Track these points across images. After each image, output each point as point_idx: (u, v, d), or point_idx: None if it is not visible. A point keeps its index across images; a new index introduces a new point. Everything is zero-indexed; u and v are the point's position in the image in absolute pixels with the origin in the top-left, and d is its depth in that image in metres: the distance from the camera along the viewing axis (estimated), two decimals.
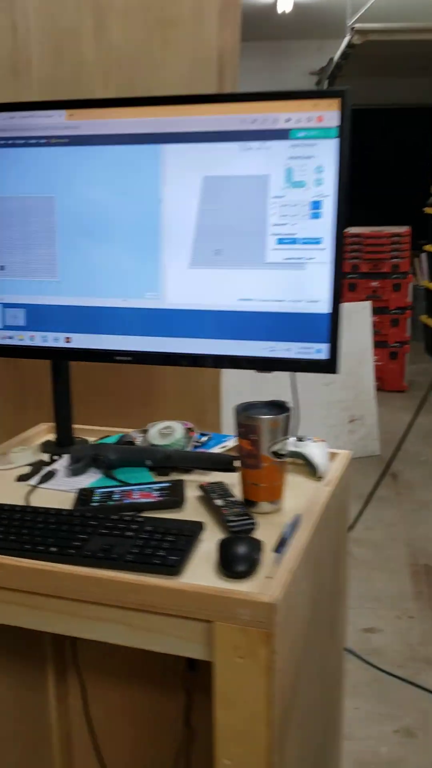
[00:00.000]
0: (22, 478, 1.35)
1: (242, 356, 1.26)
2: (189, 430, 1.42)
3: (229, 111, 1.21)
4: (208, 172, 1.23)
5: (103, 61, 1.65)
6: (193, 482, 1.28)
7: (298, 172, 1.19)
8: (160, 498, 1.20)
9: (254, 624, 0.91)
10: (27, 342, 1.38)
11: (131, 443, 1.41)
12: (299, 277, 1.21)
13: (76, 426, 1.52)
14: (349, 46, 5.96)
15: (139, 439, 1.44)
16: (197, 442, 1.43)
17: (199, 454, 1.33)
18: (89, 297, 1.33)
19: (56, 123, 1.29)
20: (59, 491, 1.29)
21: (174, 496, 1.21)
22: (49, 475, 1.34)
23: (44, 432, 1.61)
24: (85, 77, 1.65)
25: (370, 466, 4.41)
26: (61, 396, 1.49)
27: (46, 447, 1.48)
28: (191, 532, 1.07)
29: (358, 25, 5.67)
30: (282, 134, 1.19)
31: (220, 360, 1.27)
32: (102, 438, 1.53)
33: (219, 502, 1.18)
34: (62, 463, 1.40)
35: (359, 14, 5.64)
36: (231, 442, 1.46)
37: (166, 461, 1.33)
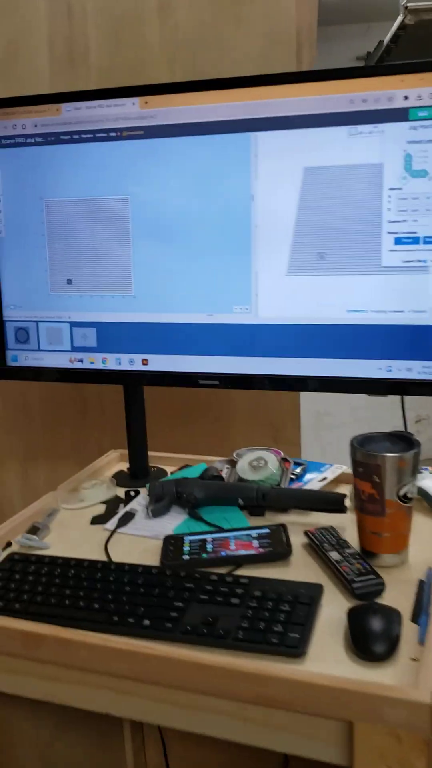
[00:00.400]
0: (97, 520, 1.18)
1: (353, 378, 1.07)
2: (283, 460, 1.23)
3: (334, 90, 1.02)
4: (309, 163, 1.04)
5: (168, 45, 1.48)
6: (294, 525, 1.10)
7: (418, 159, 0.99)
8: (263, 549, 1.02)
9: (407, 727, 0.72)
10: (99, 365, 1.21)
11: (218, 477, 1.23)
12: (422, 284, 1.02)
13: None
14: (401, 27, 5.69)
15: (224, 471, 1.27)
16: (293, 474, 1.24)
17: (302, 492, 1.14)
18: (169, 313, 1.15)
19: (128, 113, 1.11)
20: (140, 537, 1.12)
21: (278, 547, 1.02)
22: (128, 517, 1.17)
23: (115, 461, 1.45)
24: (148, 63, 1.48)
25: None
26: (135, 423, 1.32)
27: (120, 480, 1.32)
28: (309, 598, 0.89)
29: (410, 4, 5.39)
30: (399, 115, 0.99)
31: (328, 383, 1.09)
32: (181, 468, 1.36)
33: (334, 555, 0.99)
34: (141, 501, 1.23)
35: None
36: (329, 472, 1.27)
37: (262, 500, 1.15)
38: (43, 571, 0.98)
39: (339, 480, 1.28)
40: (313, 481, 1.24)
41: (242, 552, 1.02)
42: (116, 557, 1.05)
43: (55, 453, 1.68)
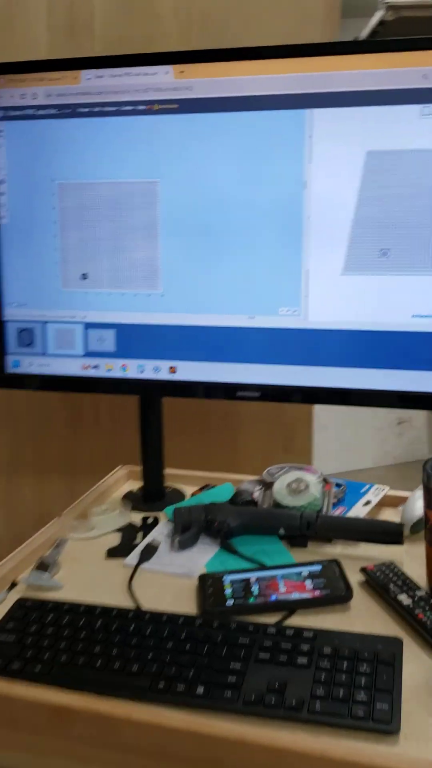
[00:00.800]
0: (114, 553, 1.03)
1: (419, 393, 0.94)
2: (324, 481, 1.09)
3: (405, 62, 0.88)
4: (372, 146, 0.90)
5: (183, 17, 1.33)
6: (343, 558, 0.96)
7: None
8: (319, 592, 0.88)
9: None
10: (117, 373, 1.05)
11: (251, 502, 1.08)
12: None
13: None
14: (380, 23, 5.61)
15: (256, 493, 1.12)
16: (335, 497, 1.10)
17: (354, 521, 1.00)
18: (203, 314, 1.00)
19: (161, 83, 0.96)
20: (168, 575, 0.97)
21: (336, 589, 0.88)
22: (150, 550, 1.02)
23: (123, 479, 1.29)
24: (159, 36, 1.33)
25: (420, 471, 4.13)
26: (152, 438, 1.17)
27: (134, 502, 1.16)
28: (391, 656, 0.75)
29: (391, 0, 5.32)
30: None
31: (387, 397, 0.95)
32: (202, 489, 1.21)
33: (404, 598, 0.85)
34: (162, 530, 1.08)
35: None
36: (372, 495, 1.14)
37: (307, 530, 1.00)
38: (64, 621, 0.83)
39: (382, 503, 1.15)
40: (356, 506, 1.10)
41: (296, 596, 0.88)
42: (146, 602, 0.90)
43: (43, 465, 1.51)
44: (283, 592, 0.89)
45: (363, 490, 1.16)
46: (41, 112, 1.01)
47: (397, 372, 0.94)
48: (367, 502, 1.11)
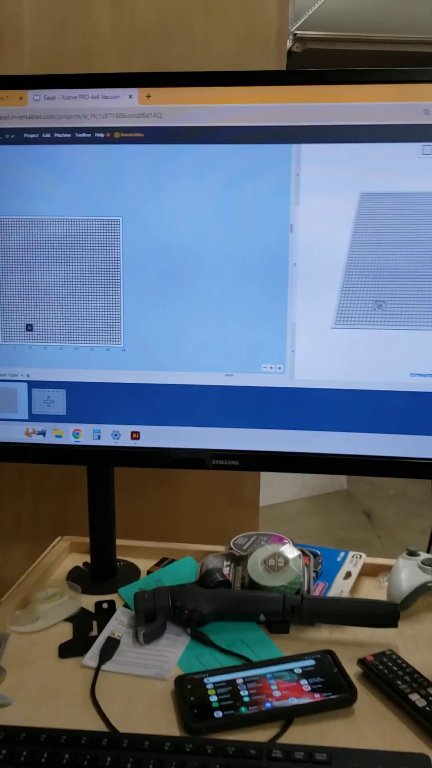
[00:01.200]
0: (68, 651, 0.87)
1: (419, 460, 0.84)
2: (302, 554, 0.98)
3: (406, 95, 0.80)
4: (367, 187, 0.82)
5: (123, 35, 1.21)
6: (333, 645, 0.85)
7: None
8: (319, 696, 0.76)
9: None
10: (69, 440, 0.91)
11: (224, 583, 0.96)
12: None
13: None
14: (287, 54, 5.70)
15: (225, 569, 0.99)
16: (315, 571, 0.99)
17: (343, 604, 0.89)
18: (172, 371, 0.88)
19: (124, 108, 0.84)
20: (137, 677, 0.82)
21: (337, 689, 0.77)
22: (111, 647, 0.87)
23: (65, 552, 1.13)
24: (96, 55, 1.20)
25: (339, 502, 4.14)
26: (102, 509, 1.02)
27: (82, 583, 1.01)
28: None
29: (300, 32, 5.40)
30: None
31: (384, 466, 0.85)
32: (161, 564, 1.07)
33: (416, 698, 0.75)
34: (121, 618, 0.94)
35: (301, 21, 5.39)
36: (350, 565, 1.03)
37: (291, 615, 0.89)
38: (22, 757, 0.67)
39: (361, 572, 1.04)
40: (337, 580, 1.00)
41: (293, 701, 0.76)
42: (115, 716, 0.76)
43: None
44: (278, 697, 0.76)
45: (339, 559, 1.05)
46: None
47: (394, 437, 0.85)
48: (348, 574, 1.01)
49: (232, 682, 0.79)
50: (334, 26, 5.41)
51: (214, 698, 0.76)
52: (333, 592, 0.97)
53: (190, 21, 1.20)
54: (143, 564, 1.09)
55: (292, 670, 0.80)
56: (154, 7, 1.18)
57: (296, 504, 4.05)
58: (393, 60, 6.02)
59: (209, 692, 0.77)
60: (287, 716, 0.75)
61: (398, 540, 3.72)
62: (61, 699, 0.79)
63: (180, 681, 0.79)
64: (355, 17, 5.50)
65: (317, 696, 0.76)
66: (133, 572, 1.06)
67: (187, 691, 0.78)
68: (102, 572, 1.05)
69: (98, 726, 0.75)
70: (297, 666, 0.81)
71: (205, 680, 0.79)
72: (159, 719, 0.76)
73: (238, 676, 0.80)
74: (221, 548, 1.10)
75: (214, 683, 0.79)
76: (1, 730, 0.71)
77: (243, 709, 0.74)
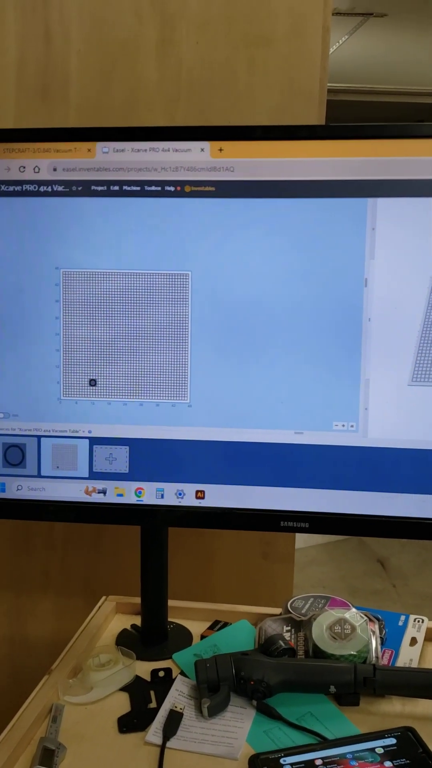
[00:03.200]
0: (128, 725, 0.82)
1: None
2: (368, 619, 0.94)
3: None
4: None
5: (168, 85, 1.21)
6: (410, 720, 0.80)
7: None
8: None
9: None
10: (131, 499, 0.87)
11: (289, 650, 0.91)
12: None
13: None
14: None
15: (286, 635, 0.95)
16: (381, 637, 0.94)
17: (418, 675, 0.85)
18: (239, 428, 0.85)
19: (195, 161, 0.82)
20: (205, 756, 0.78)
21: None
22: (175, 721, 0.82)
23: (112, 613, 1.08)
24: (142, 105, 1.20)
25: (351, 549, 4.07)
26: (155, 570, 0.98)
27: (133, 647, 0.96)
28: None
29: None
30: None
31: None
32: (216, 628, 1.02)
33: None
34: (181, 687, 0.89)
35: None
36: (413, 630, 0.99)
37: (363, 687, 0.84)
38: None
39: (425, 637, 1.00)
40: (403, 647, 0.95)
41: None
42: None
43: None
44: None
45: (400, 623, 1.01)
46: (44, 188, 0.84)
47: None
48: (413, 641, 0.96)
49: (311, 763, 0.74)
50: (338, 78, 5.55)
51: None
52: (401, 661, 0.93)
53: (234, 73, 1.20)
54: (194, 627, 1.04)
55: (373, 750, 0.76)
56: (199, 59, 1.19)
57: (308, 552, 3.99)
58: (395, 110, 6.15)
59: None
60: None
61: (414, 589, 3.64)
62: None
63: (254, 761, 0.75)
64: (358, 69, 5.64)
65: None
66: (186, 636, 1.02)
67: None
68: (153, 636, 1.00)
69: None
70: (377, 745, 0.76)
71: (282, 761, 0.74)
72: None
73: (316, 756, 0.75)
74: (275, 610, 1.06)
75: (291, 764, 0.74)
76: None
77: None
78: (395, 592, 3.61)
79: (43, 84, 1.21)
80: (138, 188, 0.83)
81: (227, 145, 0.82)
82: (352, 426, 0.83)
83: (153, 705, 0.86)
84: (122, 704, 0.87)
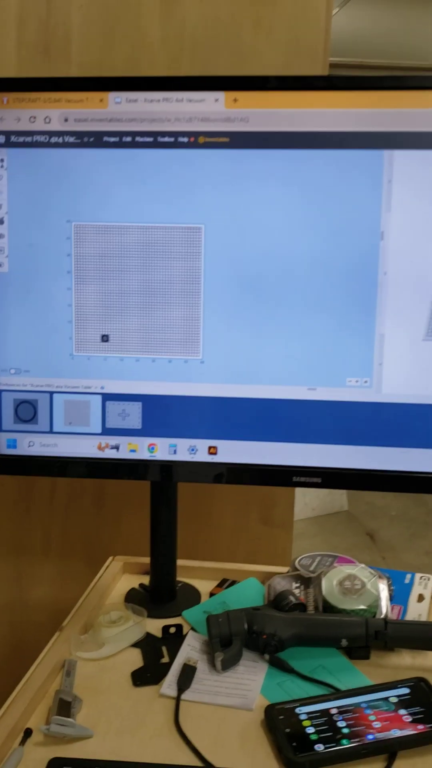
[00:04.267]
0: (142, 679, 0.83)
1: None
2: (377, 575, 0.94)
3: None
4: None
5: (172, 44, 1.19)
6: (421, 672, 0.81)
7: None
8: (423, 727, 0.72)
9: None
10: (144, 455, 0.87)
11: (299, 606, 0.92)
12: None
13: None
14: None
15: (296, 591, 0.95)
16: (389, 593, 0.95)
17: (429, 627, 0.86)
18: (252, 384, 0.84)
19: (209, 112, 0.81)
20: (220, 707, 0.78)
21: None
22: (188, 674, 0.83)
23: (119, 573, 1.09)
24: (144, 63, 1.18)
25: (339, 523, 4.10)
26: (165, 528, 0.98)
27: (142, 605, 0.96)
28: None
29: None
30: None
31: None
32: (224, 585, 1.03)
33: None
34: (193, 643, 0.89)
35: None
36: (420, 587, 1.00)
37: (374, 640, 0.85)
38: None
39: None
40: (411, 603, 0.96)
41: (396, 733, 0.72)
42: (206, 750, 0.71)
43: None
44: (379, 728, 0.72)
45: (407, 581, 1.02)
46: (55, 139, 0.83)
47: None
48: (421, 597, 0.97)
49: (326, 712, 0.75)
50: (335, 53, 5.47)
51: (311, 729, 0.72)
52: (410, 616, 0.94)
53: (239, 32, 1.18)
54: (202, 585, 1.05)
55: (387, 699, 0.77)
56: (203, 17, 1.16)
57: (298, 525, 4.01)
58: None
59: (304, 723, 0.73)
60: (392, 749, 0.71)
61: (404, 561, 3.68)
62: (144, 730, 0.74)
63: (270, 711, 0.75)
64: (349, 44, 5.58)
65: (421, 727, 0.72)
66: (194, 594, 1.02)
67: (280, 722, 0.73)
68: (162, 594, 1.00)
69: (190, 759, 0.70)
70: (391, 695, 0.77)
71: (298, 710, 0.75)
72: (254, 752, 0.71)
73: (331, 705, 0.76)
74: (282, 569, 1.06)
75: (307, 713, 0.75)
76: (95, 764, 0.66)
77: (344, 742, 0.70)
78: (385, 564, 3.64)
79: (44, 41, 1.18)
80: (151, 139, 0.82)
81: (242, 96, 0.81)
82: (365, 382, 0.83)
83: (165, 660, 0.87)
84: (134, 659, 0.87)
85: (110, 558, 1.11)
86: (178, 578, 1.05)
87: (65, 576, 1.30)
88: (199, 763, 0.70)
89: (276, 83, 0.80)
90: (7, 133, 0.84)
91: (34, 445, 0.88)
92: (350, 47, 5.51)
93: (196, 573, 1.07)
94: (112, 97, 0.82)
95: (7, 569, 1.31)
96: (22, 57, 1.17)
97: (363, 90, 0.79)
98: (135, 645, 0.90)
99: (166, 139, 0.82)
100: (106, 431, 0.87)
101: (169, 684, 0.81)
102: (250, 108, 0.81)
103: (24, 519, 1.27)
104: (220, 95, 0.81)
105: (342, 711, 0.75)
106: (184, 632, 0.92)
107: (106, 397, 0.86)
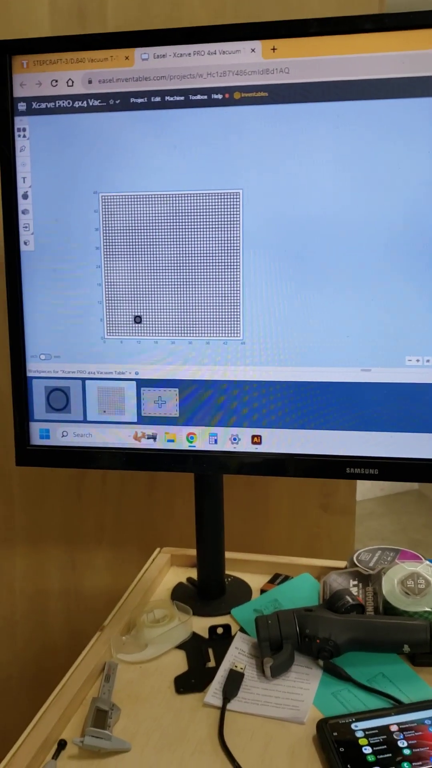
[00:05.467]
0: (185, 686, 0.77)
1: None
2: None
3: None
4: None
5: (213, 3, 1.11)
6: None
7: None
8: None
9: None
10: (183, 445, 0.80)
11: (358, 607, 0.84)
12: None
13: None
14: None
15: (353, 590, 0.88)
16: None
17: None
18: (298, 367, 0.76)
19: (245, 64, 0.73)
20: (269, 719, 0.72)
21: None
22: (235, 681, 0.76)
23: (166, 566, 1.03)
24: (185, 22, 1.10)
25: (410, 502, 3.98)
26: (211, 520, 0.92)
27: (189, 602, 0.90)
28: None
29: None
30: None
31: None
32: (276, 581, 0.96)
33: None
34: (241, 646, 0.83)
35: None
36: None
37: None
38: None
39: None
40: None
41: None
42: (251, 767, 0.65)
43: (39, 534, 1.24)
44: None
45: None
46: (79, 103, 0.76)
47: None
48: None
49: (386, 729, 0.67)
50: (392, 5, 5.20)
51: (368, 750, 0.65)
52: None
53: None
54: (253, 580, 0.98)
55: None
56: None
57: (365, 504, 3.91)
58: None
59: (361, 741, 0.66)
60: None
61: None
62: (186, 745, 0.68)
63: (323, 726, 0.68)
64: None
65: None
66: (245, 590, 0.96)
67: (334, 740, 0.66)
68: (210, 590, 0.94)
69: None
70: None
71: (354, 726, 0.68)
72: None
73: (391, 721, 0.68)
74: (339, 563, 0.99)
75: (364, 730, 0.67)
76: None
77: (405, 765, 0.63)
78: None
79: (78, 4, 1.12)
80: (182, 98, 0.74)
81: (281, 44, 0.72)
82: (428, 361, 0.74)
83: (211, 664, 0.81)
84: (178, 663, 0.81)
85: (157, 549, 1.06)
86: (228, 572, 0.99)
87: (119, 563, 1.26)
88: None
89: (318, 27, 0.71)
90: (29, 100, 0.77)
91: (68, 435, 0.82)
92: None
93: (247, 567, 1.01)
94: (139, 53, 0.74)
95: (62, 557, 1.28)
96: (56, 22, 1.11)
97: (418, 28, 0.69)
98: (180, 646, 0.84)
99: (199, 97, 0.74)
100: (142, 420, 0.80)
101: (214, 692, 0.75)
102: (290, 57, 0.72)
103: (76, 506, 1.24)
104: (257, 45, 0.72)
105: (403, 728, 0.67)
106: (233, 633, 0.86)
107: (141, 383, 0.80)
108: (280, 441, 0.78)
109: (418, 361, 0.74)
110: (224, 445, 0.79)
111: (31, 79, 0.77)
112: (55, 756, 0.67)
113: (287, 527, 1.24)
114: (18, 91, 0.77)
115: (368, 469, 0.76)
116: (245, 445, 0.79)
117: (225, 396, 0.78)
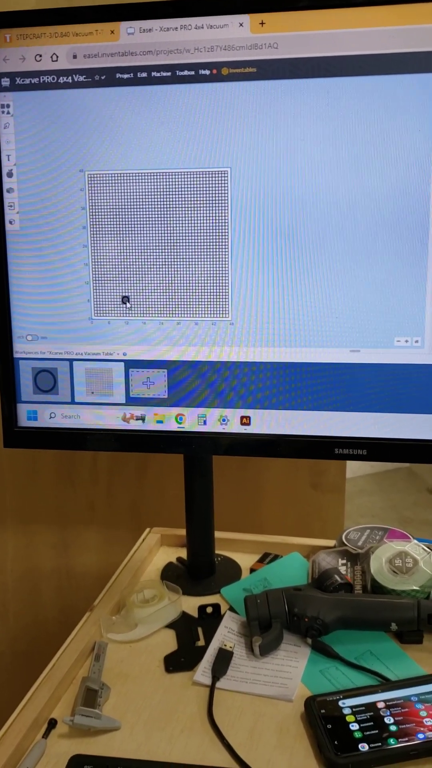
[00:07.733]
0: (175, 665, 0.78)
1: None
2: (431, 552, 0.86)
3: None
4: None
5: None
6: None
7: None
8: None
9: None
10: (172, 426, 0.80)
11: (346, 585, 0.84)
12: None
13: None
14: None
15: (342, 568, 0.88)
16: None
17: None
18: (287, 347, 0.76)
19: (233, 39, 0.71)
20: (257, 697, 0.72)
21: None
22: (225, 660, 0.77)
23: (156, 546, 1.03)
24: None
25: (400, 479, 4.01)
26: (201, 500, 0.92)
27: (179, 582, 0.91)
28: None
29: None
30: None
31: None
32: (266, 560, 0.96)
33: None
34: (230, 624, 0.83)
35: None
36: None
37: (428, 624, 0.77)
38: None
39: None
40: None
41: None
42: (241, 746, 0.66)
43: (30, 514, 1.24)
44: (431, 726, 0.65)
45: None
46: (64, 79, 0.75)
47: None
48: None
49: (373, 706, 0.68)
50: None
51: (355, 726, 0.66)
52: None
53: None
54: (242, 559, 0.99)
55: None
56: None
57: (356, 481, 3.93)
58: None
59: (348, 718, 0.67)
60: None
61: None
62: (175, 723, 0.69)
63: (311, 703, 0.69)
64: None
65: None
66: (234, 569, 0.96)
67: (322, 717, 0.67)
68: (200, 570, 0.95)
69: (223, 757, 0.65)
70: None
71: (341, 703, 0.69)
72: (292, 749, 0.66)
73: (378, 698, 0.69)
74: (328, 542, 0.99)
75: (351, 707, 0.68)
76: (118, 764, 0.61)
77: (392, 741, 0.64)
78: None
79: None
80: (168, 74, 0.73)
81: (270, 18, 0.70)
82: (416, 341, 0.74)
83: (201, 643, 0.81)
84: (168, 642, 0.82)
85: (147, 529, 1.06)
86: (218, 552, 1.00)
87: (110, 543, 1.27)
88: (231, 762, 0.64)
89: (308, 1, 0.69)
90: (12, 75, 0.76)
91: (56, 416, 0.82)
92: None
93: (237, 546, 1.01)
94: (124, 27, 0.73)
95: (53, 537, 1.28)
96: None
97: (411, 2, 0.68)
98: (169, 626, 0.85)
99: (186, 72, 0.72)
100: (131, 401, 0.80)
101: (203, 671, 0.76)
102: (279, 32, 0.71)
103: (67, 488, 1.24)
104: (245, 19, 0.71)
105: (390, 705, 0.68)
106: (222, 612, 0.86)
107: (129, 364, 0.79)
108: (268, 422, 0.78)
109: (406, 341, 0.74)
110: (213, 426, 0.79)
111: (14, 53, 0.75)
112: (46, 735, 0.68)
113: (278, 506, 1.24)
114: (1, 66, 0.75)
115: (357, 450, 0.76)
116: (234, 426, 0.79)
117: (214, 377, 0.78)
